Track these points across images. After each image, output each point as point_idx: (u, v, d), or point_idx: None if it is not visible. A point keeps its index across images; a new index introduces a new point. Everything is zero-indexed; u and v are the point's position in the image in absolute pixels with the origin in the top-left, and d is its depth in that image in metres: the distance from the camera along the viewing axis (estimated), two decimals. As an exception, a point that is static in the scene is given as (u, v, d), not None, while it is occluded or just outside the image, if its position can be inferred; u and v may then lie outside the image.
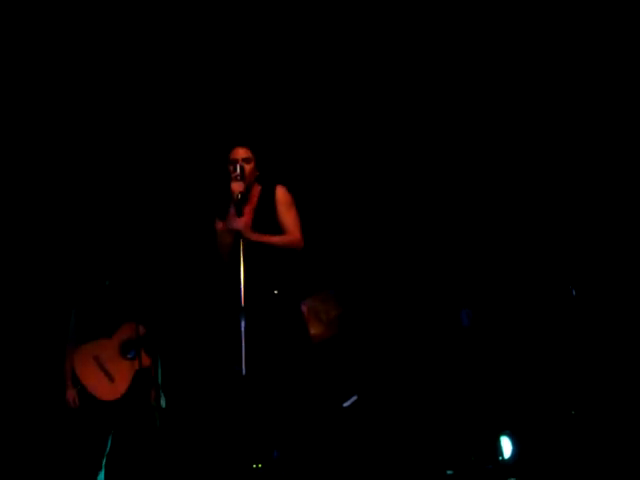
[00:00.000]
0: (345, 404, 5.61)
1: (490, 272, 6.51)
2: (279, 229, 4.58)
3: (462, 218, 6.63)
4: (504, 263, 6.47)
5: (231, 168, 4.55)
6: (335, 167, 6.57)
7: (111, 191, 6.40)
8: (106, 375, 5.10)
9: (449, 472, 5.71)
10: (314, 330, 5.53)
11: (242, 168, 4.51)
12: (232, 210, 4.49)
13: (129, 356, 5.12)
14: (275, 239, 4.52)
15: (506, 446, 5.71)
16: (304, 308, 4.83)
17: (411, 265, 6.72)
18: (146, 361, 5.08)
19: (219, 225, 4.63)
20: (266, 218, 4.58)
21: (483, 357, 6.15)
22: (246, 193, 4.53)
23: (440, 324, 6.53)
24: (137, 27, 5.77)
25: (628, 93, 5.86)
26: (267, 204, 4.61)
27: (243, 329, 4.15)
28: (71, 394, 5.12)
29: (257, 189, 4.69)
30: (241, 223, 4.43)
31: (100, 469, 5.02)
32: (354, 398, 5.73)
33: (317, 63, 6.16)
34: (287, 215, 4.58)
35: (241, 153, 4.62)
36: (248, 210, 4.60)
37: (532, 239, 6.36)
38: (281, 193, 4.63)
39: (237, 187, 4.48)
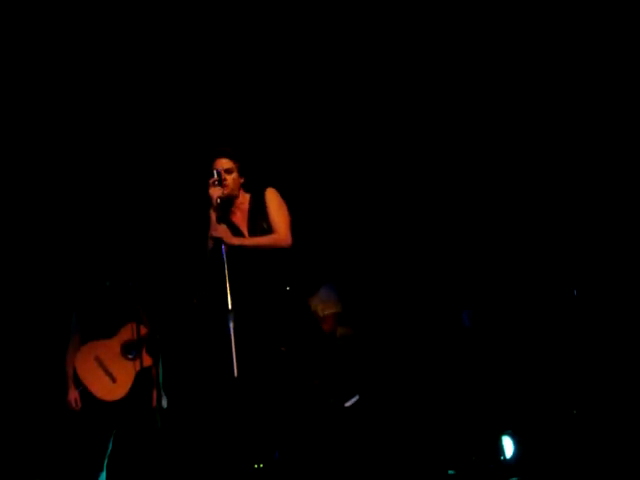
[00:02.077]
0: (347, 404, 5.60)
1: (492, 273, 6.52)
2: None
3: (464, 219, 6.63)
4: (506, 264, 6.47)
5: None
6: (337, 169, 6.57)
7: (111, 193, 6.41)
8: (108, 376, 5.10)
9: (451, 472, 5.72)
10: None
11: (219, 174, 4.55)
12: (212, 217, 4.53)
13: (130, 356, 5.12)
14: (257, 240, 4.54)
15: (508, 446, 5.72)
16: None
17: (413, 265, 6.72)
18: (147, 361, 5.08)
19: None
20: (260, 222, 4.61)
21: (484, 357, 6.15)
22: (227, 199, 4.56)
23: (441, 324, 6.54)
24: (124, 36, 5.79)
25: (629, 93, 5.86)
26: (259, 209, 4.64)
27: (231, 331, 4.14)
28: (73, 395, 5.11)
29: (246, 197, 4.71)
30: (221, 230, 4.46)
31: (102, 470, 5.02)
32: (356, 398, 5.72)
33: (307, 63, 6.15)
34: (275, 214, 4.60)
35: (223, 163, 4.64)
36: (240, 218, 4.65)
37: (534, 240, 6.36)
38: (270, 195, 4.65)
39: (215, 192, 4.51)
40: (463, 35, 5.99)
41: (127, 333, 5.13)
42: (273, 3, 5.77)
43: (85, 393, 5.09)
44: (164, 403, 5.14)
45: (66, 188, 6.39)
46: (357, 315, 6.27)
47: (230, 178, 4.61)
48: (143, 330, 5.09)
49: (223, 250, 4.39)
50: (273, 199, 4.65)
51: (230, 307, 4.20)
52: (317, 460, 4.55)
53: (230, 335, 4.13)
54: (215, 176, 4.54)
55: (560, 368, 5.86)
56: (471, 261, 6.61)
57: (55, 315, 5.95)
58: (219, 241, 4.43)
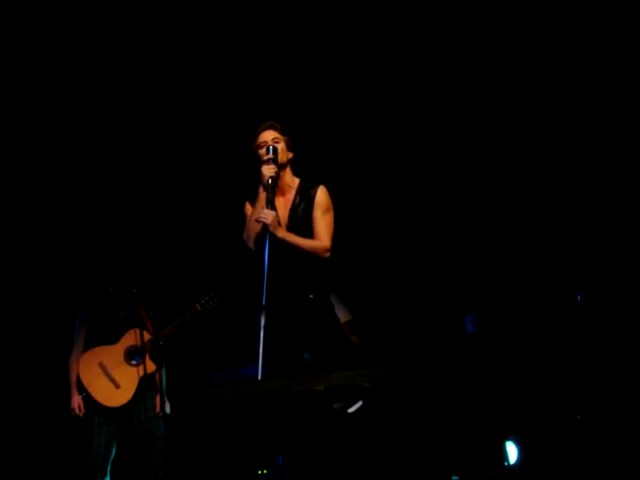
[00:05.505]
0: (350, 410, 5.60)
1: (495, 277, 6.51)
2: (312, 230, 4.33)
3: (467, 224, 6.63)
4: (509, 269, 6.46)
5: (262, 151, 4.32)
6: (340, 173, 6.57)
7: (115, 199, 6.43)
8: (111, 381, 5.10)
9: (454, 478, 5.71)
10: None
11: (275, 150, 4.29)
12: (261, 196, 4.25)
13: (134, 362, 5.12)
14: (301, 242, 4.25)
15: (511, 451, 5.70)
16: None
17: (416, 271, 6.72)
18: (151, 367, 5.08)
19: (249, 209, 4.41)
20: (301, 216, 4.34)
21: (488, 363, 6.14)
22: (278, 177, 4.29)
23: (445, 330, 6.53)
24: (151, 12, 5.73)
25: (629, 93, 5.86)
26: (306, 201, 4.35)
27: (262, 327, 3.94)
28: (76, 401, 5.10)
29: (295, 181, 4.43)
30: (270, 217, 4.17)
31: (105, 475, 5.02)
32: (359, 404, 5.71)
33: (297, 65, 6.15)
34: (321, 220, 4.31)
35: (269, 134, 4.36)
36: (283, 201, 4.39)
37: (537, 245, 6.35)
38: (322, 194, 4.34)
39: (268, 171, 4.23)
40: (466, 36, 6.00)
41: (130, 339, 5.13)
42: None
43: (88, 399, 5.09)
44: (167, 409, 5.14)
45: (70, 193, 6.41)
46: (361, 322, 6.26)
47: (279, 147, 4.33)
48: (147, 336, 5.09)
49: (267, 238, 4.16)
50: (324, 200, 4.35)
51: (264, 302, 3.97)
52: (321, 466, 4.53)
53: (259, 332, 3.92)
54: (270, 153, 4.28)
55: (564, 373, 5.85)
56: (475, 266, 6.61)
57: (59, 321, 5.95)
58: (265, 227, 4.17)
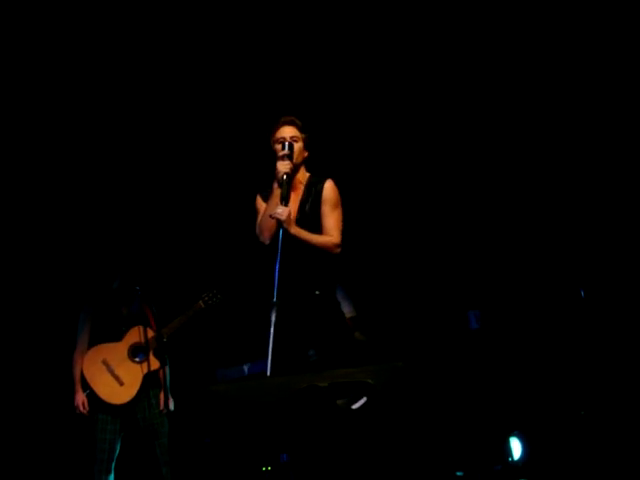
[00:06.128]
0: (354, 406, 5.59)
1: (498, 273, 6.51)
2: (319, 225, 4.28)
3: (470, 220, 6.63)
4: (512, 264, 6.47)
5: (279, 147, 4.25)
6: (345, 170, 6.57)
7: (119, 195, 6.44)
8: (115, 379, 5.10)
9: (459, 473, 5.71)
10: None
11: (291, 146, 4.23)
12: (275, 192, 4.21)
13: (137, 359, 5.13)
14: (312, 238, 4.19)
15: (515, 447, 5.71)
16: None
17: (419, 267, 6.72)
18: (155, 364, 5.08)
19: (260, 204, 4.38)
20: (310, 211, 4.28)
21: (492, 359, 6.14)
22: (292, 174, 4.23)
23: (448, 326, 6.53)
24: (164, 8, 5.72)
25: (629, 93, 5.85)
26: (313, 196, 4.30)
27: (273, 324, 3.90)
28: (80, 398, 5.11)
29: (306, 176, 4.38)
30: (285, 213, 4.13)
31: (110, 473, 5.03)
32: (363, 400, 5.71)
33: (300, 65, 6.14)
34: (330, 215, 4.25)
35: (288, 131, 4.30)
36: (293, 198, 4.30)
37: (541, 240, 6.35)
38: (329, 189, 4.28)
39: (283, 167, 4.17)
40: (465, 35, 6.00)
41: (134, 336, 5.14)
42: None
43: (92, 396, 5.09)
44: (171, 406, 5.15)
45: (73, 189, 6.41)
46: (365, 318, 6.26)
47: (297, 147, 4.28)
48: (150, 333, 5.09)
49: (281, 234, 4.11)
50: (331, 196, 4.29)
51: (275, 299, 3.94)
52: (325, 463, 4.53)
53: (270, 329, 3.88)
54: (286, 149, 4.21)
55: (567, 369, 5.85)
56: (478, 262, 6.61)
57: (62, 318, 5.95)
58: (279, 223, 4.13)
